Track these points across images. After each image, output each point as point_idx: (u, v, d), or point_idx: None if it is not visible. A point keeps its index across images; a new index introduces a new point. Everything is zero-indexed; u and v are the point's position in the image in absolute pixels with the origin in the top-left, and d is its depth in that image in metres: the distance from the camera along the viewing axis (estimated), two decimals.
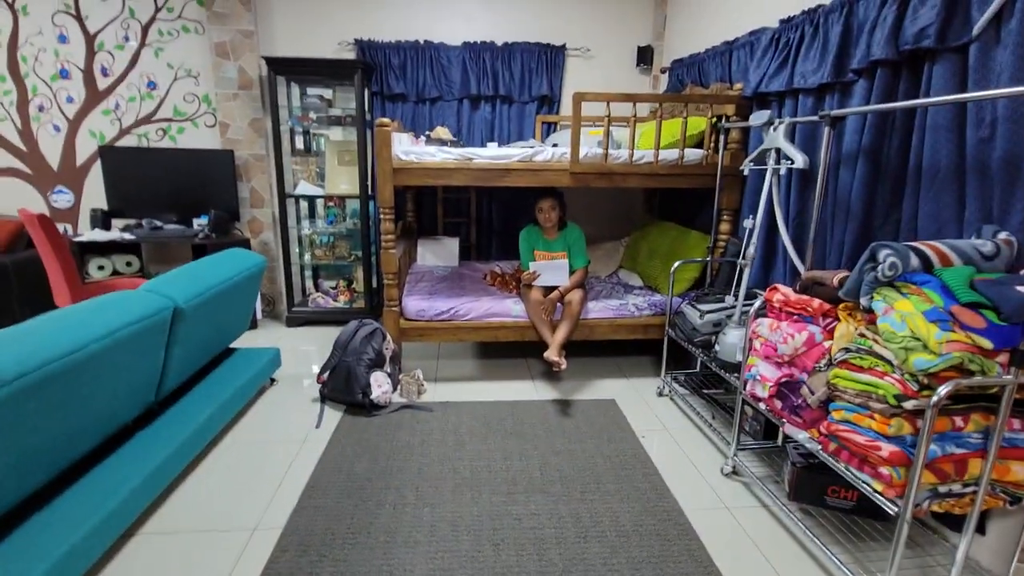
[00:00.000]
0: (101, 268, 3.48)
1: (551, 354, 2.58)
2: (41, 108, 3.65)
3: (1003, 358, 1.26)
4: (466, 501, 1.90)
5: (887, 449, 1.36)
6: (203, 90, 3.74)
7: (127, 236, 3.43)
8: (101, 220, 3.51)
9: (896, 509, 1.35)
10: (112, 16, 3.58)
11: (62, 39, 3.57)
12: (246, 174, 3.79)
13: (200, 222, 3.64)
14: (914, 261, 1.41)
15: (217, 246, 3.40)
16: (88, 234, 3.42)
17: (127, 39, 3.62)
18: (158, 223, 3.60)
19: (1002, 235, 1.46)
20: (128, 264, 3.59)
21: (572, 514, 1.84)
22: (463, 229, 4.14)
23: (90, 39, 3.59)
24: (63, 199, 3.79)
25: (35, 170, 3.74)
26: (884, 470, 1.38)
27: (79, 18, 3.56)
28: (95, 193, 3.75)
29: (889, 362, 1.39)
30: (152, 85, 3.70)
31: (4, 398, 1.23)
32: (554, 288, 2.86)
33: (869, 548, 1.66)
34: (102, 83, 3.66)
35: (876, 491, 1.40)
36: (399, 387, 2.76)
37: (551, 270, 2.84)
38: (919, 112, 1.74)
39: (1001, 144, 1.47)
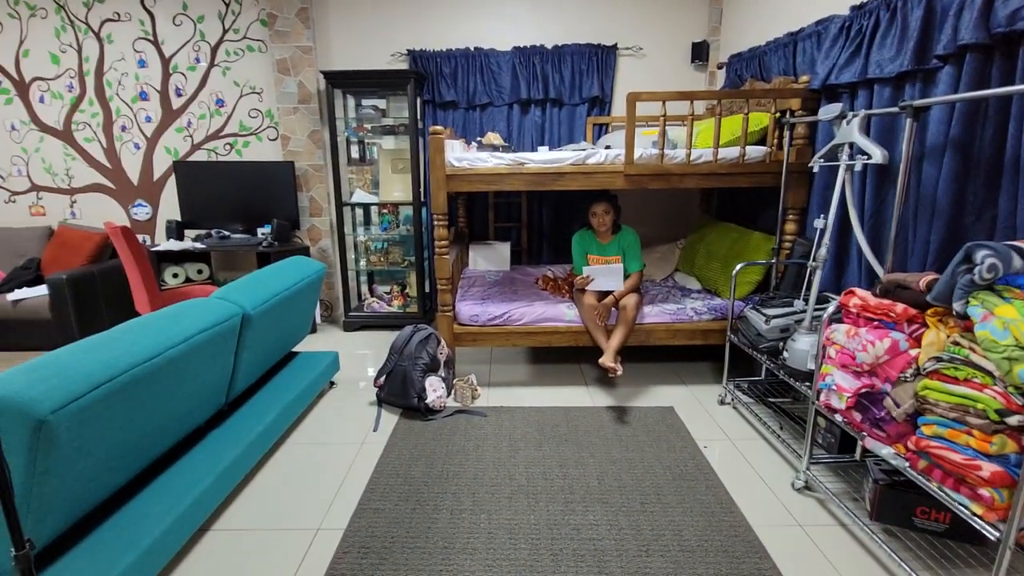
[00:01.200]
0: (175, 276, 3.71)
1: (606, 360, 2.53)
2: (123, 128, 3.94)
3: None
4: (523, 509, 1.88)
5: (988, 469, 1.24)
6: (266, 105, 3.92)
7: (198, 245, 3.63)
8: (175, 230, 3.74)
9: (998, 534, 1.22)
10: (185, 39, 3.81)
11: (141, 63, 3.84)
12: (305, 184, 3.94)
13: (264, 231, 3.81)
14: (1017, 262, 1.28)
15: (280, 254, 3.55)
16: (164, 244, 3.65)
17: (198, 60, 3.85)
18: (226, 233, 3.80)
19: None
20: (199, 272, 3.80)
21: (632, 526, 1.79)
22: (514, 233, 4.14)
23: (165, 62, 3.84)
24: (142, 212, 4.07)
25: (118, 185, 4.03)
26: (984, 491, 1.26)
27: (156, 43, 3.82)
28: (170, 205, 4.02)
29: (989, 373, 1.27)
30: (220, 103, 3.92)
31: (92, 401, 1.32)
32: (608, 293, 2.80)
33: (963, 575, 1.52)
34: (176, 103, 3.91)
35: (975, 514, 1.28)
36: (453, 391, 2.78)
37: (606, 274, 2.79)
38: (1016, 99, 1.58)
39: None
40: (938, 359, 1.40)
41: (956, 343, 1.39)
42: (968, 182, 1.75)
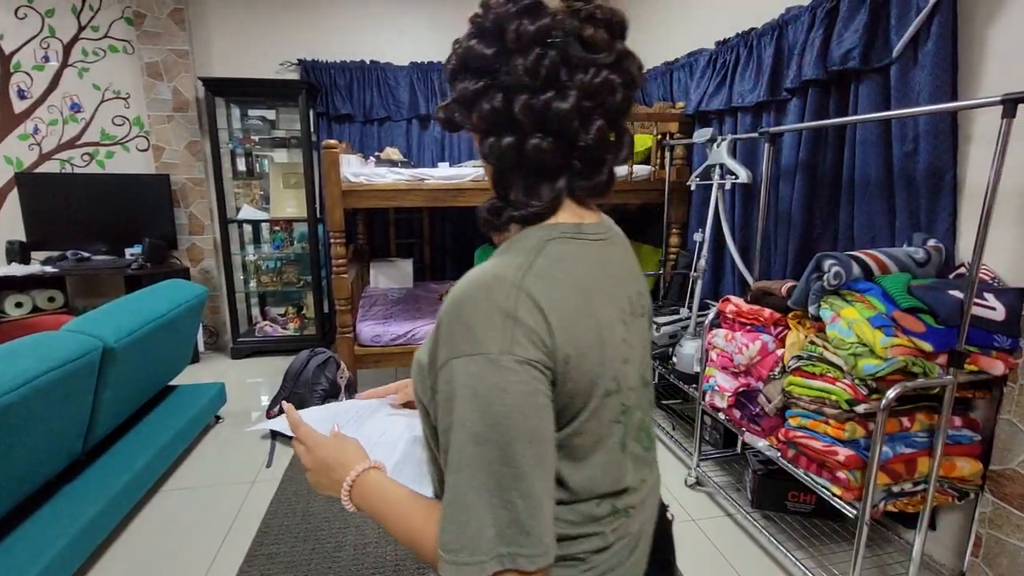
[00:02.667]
0: (19, 305, 3.20)
1: None
2: None
3: (942, 359, 1.33)
4: None
5: (843, 453, 1.40)
6: (134, 112, 3.53)
7: (49, 269, 3.17)
8: (18, 253, 3.23)
9: (855, 511, 1.38)
10: (30, 35, 3.34)
11: None
12: (183, 199, 3.59)
13: (133, 251, 3.41)
14: (856, 270, 1.48)
15: (153, 277, 3.18)
16: (3, 269, 3.13)
17: (47, 59, 3.39)
18: (85, 254, 3.35)
19: (931, 242, 1.55)
20: (51, 300, 3.31)
21: None
22: (416, 250, 4.07)
23: (4, 59, 3.33)
24: None
25: None
26: (841, 474, 1.42)
27: None
28: (10, 223, 3.44)
29: (840, 368, 1.44)
30: (76, 107, 3.47)
31: None
32: None
33: (830, 550, 1.70)
34: (18, 106, 3.40)
35: (835, 495, 1.43)
36: None
37: None
38: (849, 128, 1.84)
39: (924, 158, 1.57)
40: (799, 357, 1.56)
41: (813, 342, 1.57)
42: (815, 199, 2.00)
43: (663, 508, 0.76)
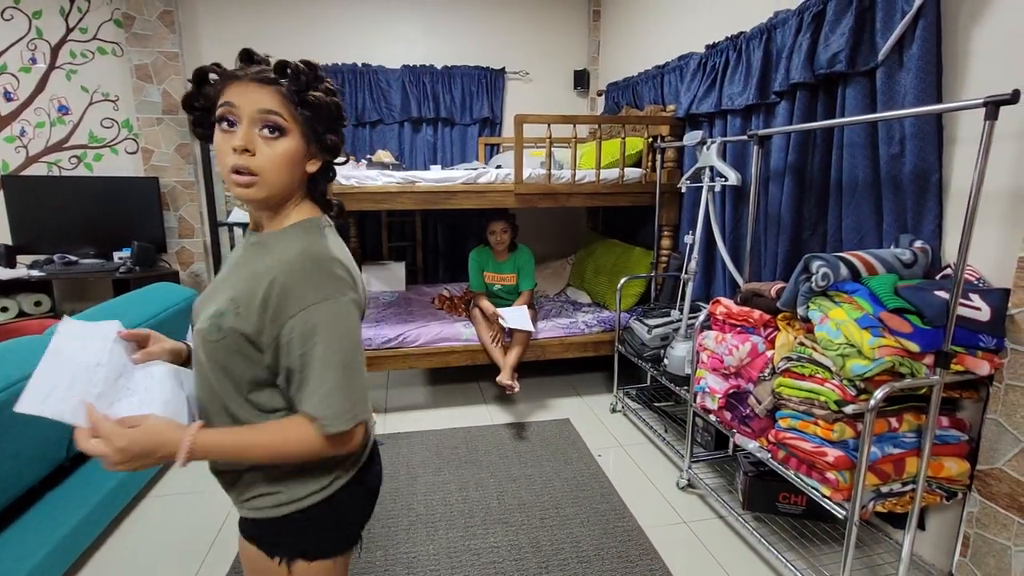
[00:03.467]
0: (4, 310, 3.15)
1: (503, 378, 2.54)
2: None
3: (929, 359, 1.33)
4: (421, 539, 1.81)
5: (832, 454, 1.41)
6: (123, 115, 3.51)
7: (35, 273, 3.13)
8: (5, 256, 3.19)
9: (844, 513, 1.38)
10: (16, 36, 3.31)
11: None
12: (173, 202, 3.57)
13: (122, 255, 3.38)
14: (843, 271, 1.49)
15: (141, 280, 3.15)
16: None
17: (34, 60, 3.36)
18: (72, 257, 3.31)
19: (917, 244, 1.56)
20: (37, 304, 3.27)
21: (532, 543, 1.79)
22: (409, 253, 4.06)
23: None
24: None
25: None
26: (830, 475, 1.42)
27: None
28: None
29: (828, 369, 1.44)
30: (64, 110, 3.44)
31: None
32: (492, 310, 2.81)
33: (821, 551, 1.70)
34: (5, 108, 3.37)
35: (824, 496, 1.44)
36: None
37: (516, 316, 2.78)
38: (836, 131, 1.85)
39: (910, 159, 1.58)
40: (788, 358, 1.57)
41: (802, 343, 1.57)
42: (804, 201, 2.01)
43: None
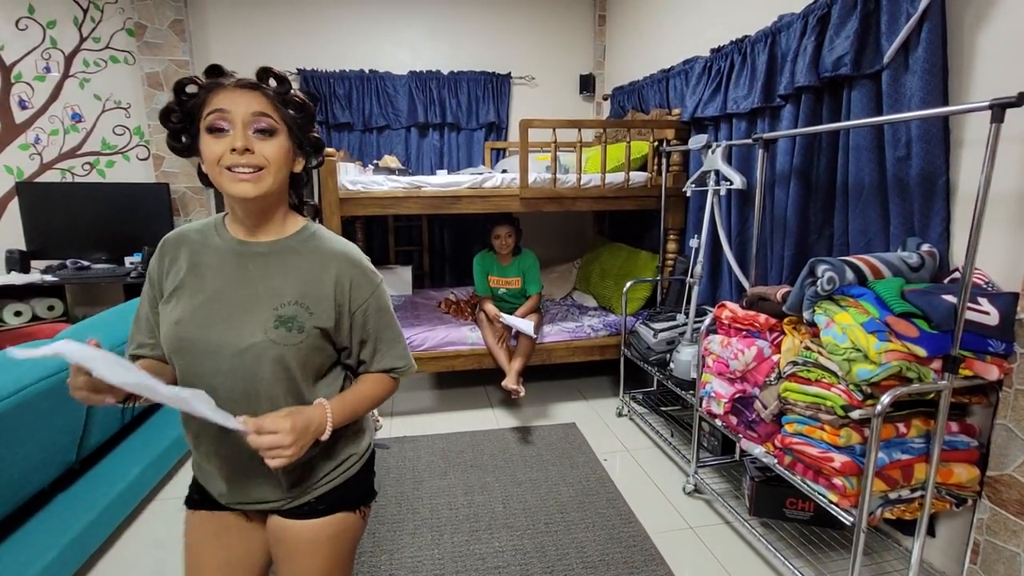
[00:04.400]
0: (18, 314, 3.21)
1: (508, 382, 2.54)
2: None
3: (937, 364, 1.32)
4: (426, 543, 1.81)
5: (839, 460, 1.39)
6: (134, 122, 3.56)
7: (48, 278, 3.18)
8: (18, 261, 3.25)
9: (851, 519, 1.37)
10: (31, 46, 3.38)
11: None
12: (183, 208, 3.61)
13: (133, 260, 3.42)
14: (849, 275, 1.47)
15: None
16: (2, 278, 3.15)
17: (48, 69, 3.42)
18: (84, 263, 3.36)
19: (924, 247, 1.55)
20: (50, 308, 3.32)
21: (537, 548, 1.78)
22: (415, 257, 4.08)
23: (6, 70, 3.37)
24: None
25: None
26: (837, 481, 1.40)
27: None
28: (11, 232, 3.46)
29: (834, 373, 1.43)
30: (77, 117, 3.50)
31: None
32: (495, 312, 2.82)
33: (829, 558, 1.68)
34: (19, 116, 3.43)
35: (832, 502, 1.42)
36: None
37: (522, 325, 2.77)
38: (842, 134, 1.84)
39: (916, 162, 1.57)
40: (794, 363, 1.56)
41: (808, 348, 1.56)
42: (810, 205, 2.00)
43: None
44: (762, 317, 1.79)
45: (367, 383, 0.98)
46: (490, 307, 2.84)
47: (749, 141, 2.08)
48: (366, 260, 0.96)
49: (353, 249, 0.95)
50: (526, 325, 2.67)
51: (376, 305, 0.95)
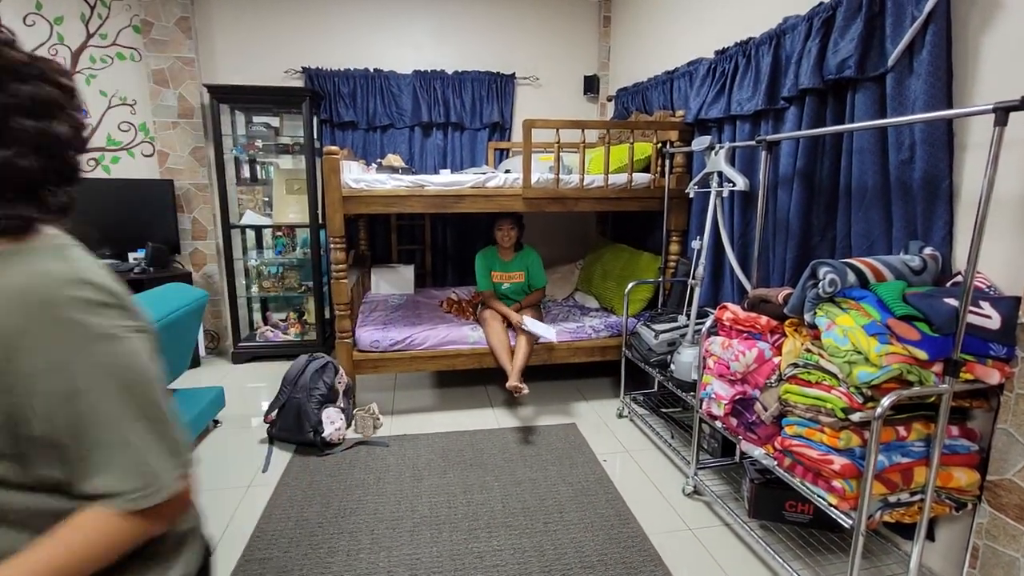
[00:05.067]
0: None
1: (512, 382, 2.54)
2: None
3: (938, 368, 1.32)
4: (425, 541, 1.81)
5: (839, 462, 1.39)
6: (140, 118, 3.58)
7: None
8: None
9: (850, 522, 1.37)
10: (39, 42, 3.39)
11: None
12: (187, 205, 3.62)
13: (136, 256, 3.44)
14: (851, 277, 1.47)
15: (156, 281, 3.20)
16: None
17: None
18: None
19: (927, 250, 1.55)
20: None
21: (536, 548, 1.79)
22: (418, 256, 4.08)
23: None
24: None
25: None
26: (837, 483, 1.40)
27: None
28: None
29: (835, 376, 1.43)
30: (83, 113, 3.50)
31: None
32: (518, 319, 2.81)
33: (828, 561, 1.68)
34: None
35: (831, 504, 1.42)
36: (353, 422, 2.65)
37: (538, 326, 2.77)
38: (845, 136, 1.84)
39: (920, 165, 1.57)
40: (795, 365, 1.56)
41: (809, 350, 1.56)
42: (813, 207, 2.00)
43: None
44: (763, 319, 1.79)
45: (56, 533, 0.57)
46: (510, 312, 2.83)
47: (753, 143, 2.08)
48: (84, 293, 0.57)
49: (53, 278, 0.56)
50: (547, 331, 2.69)
51: (74, 381, 0.55)
